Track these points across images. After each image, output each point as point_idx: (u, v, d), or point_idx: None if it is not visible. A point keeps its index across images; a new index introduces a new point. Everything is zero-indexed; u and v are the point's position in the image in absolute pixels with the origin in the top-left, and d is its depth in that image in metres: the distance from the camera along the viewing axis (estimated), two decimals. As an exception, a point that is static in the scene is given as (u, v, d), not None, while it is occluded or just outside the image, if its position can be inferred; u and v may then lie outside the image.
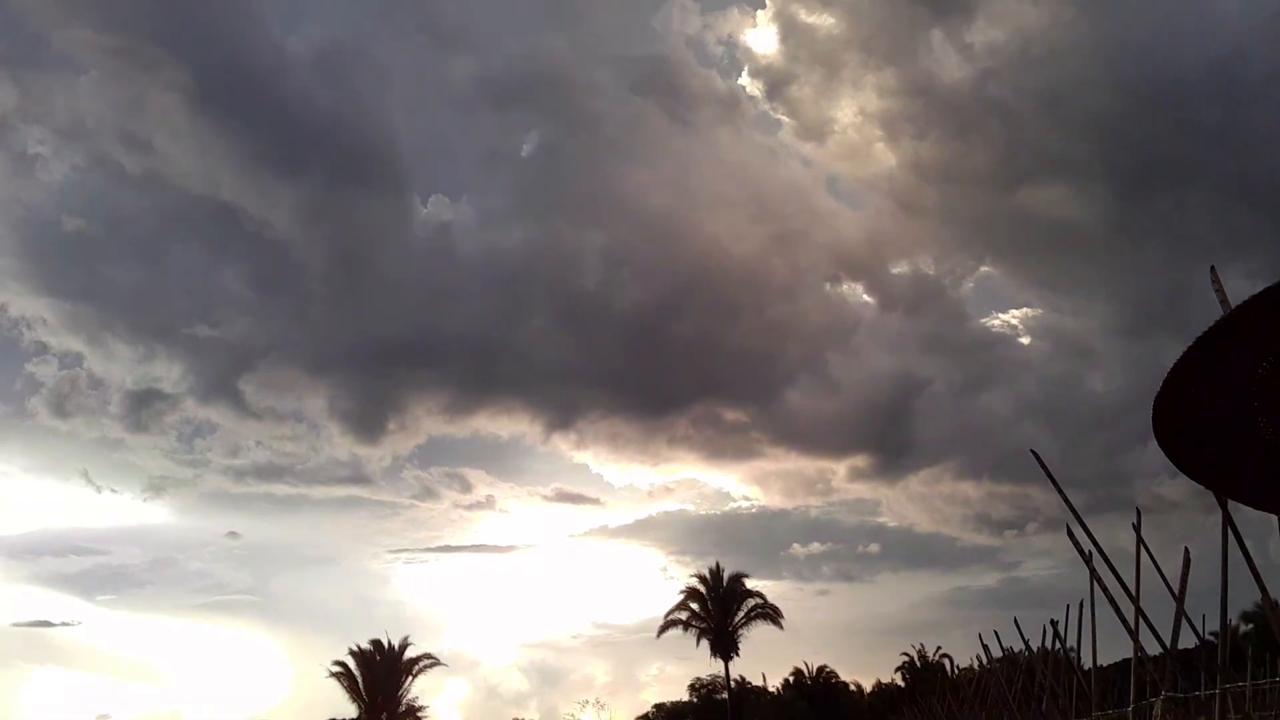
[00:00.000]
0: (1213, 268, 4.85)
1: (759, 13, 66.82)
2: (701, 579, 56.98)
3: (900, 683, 60.19)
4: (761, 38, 68.83)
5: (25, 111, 63.89)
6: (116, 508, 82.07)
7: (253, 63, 62.51)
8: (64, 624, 67.28)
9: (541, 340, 68.33)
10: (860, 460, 74.66)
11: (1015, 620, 23.69)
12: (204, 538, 75.93)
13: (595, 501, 77.11)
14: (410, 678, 55.27)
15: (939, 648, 59.54)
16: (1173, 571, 12.99)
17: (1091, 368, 75.03)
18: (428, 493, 74.80)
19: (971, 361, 73.06)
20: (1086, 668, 19.16)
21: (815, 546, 77.46)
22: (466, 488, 75.57)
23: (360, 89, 67.11)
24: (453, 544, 78.91)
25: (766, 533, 78.82)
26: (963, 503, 74.97)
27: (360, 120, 65.62)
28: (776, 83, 68.13)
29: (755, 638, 56.12)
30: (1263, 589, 10.70)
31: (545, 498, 77.29)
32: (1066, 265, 70.66)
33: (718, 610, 55.58)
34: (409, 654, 55.27)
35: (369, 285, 68.16)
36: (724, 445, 73.57)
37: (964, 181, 68.44)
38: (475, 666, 69.83)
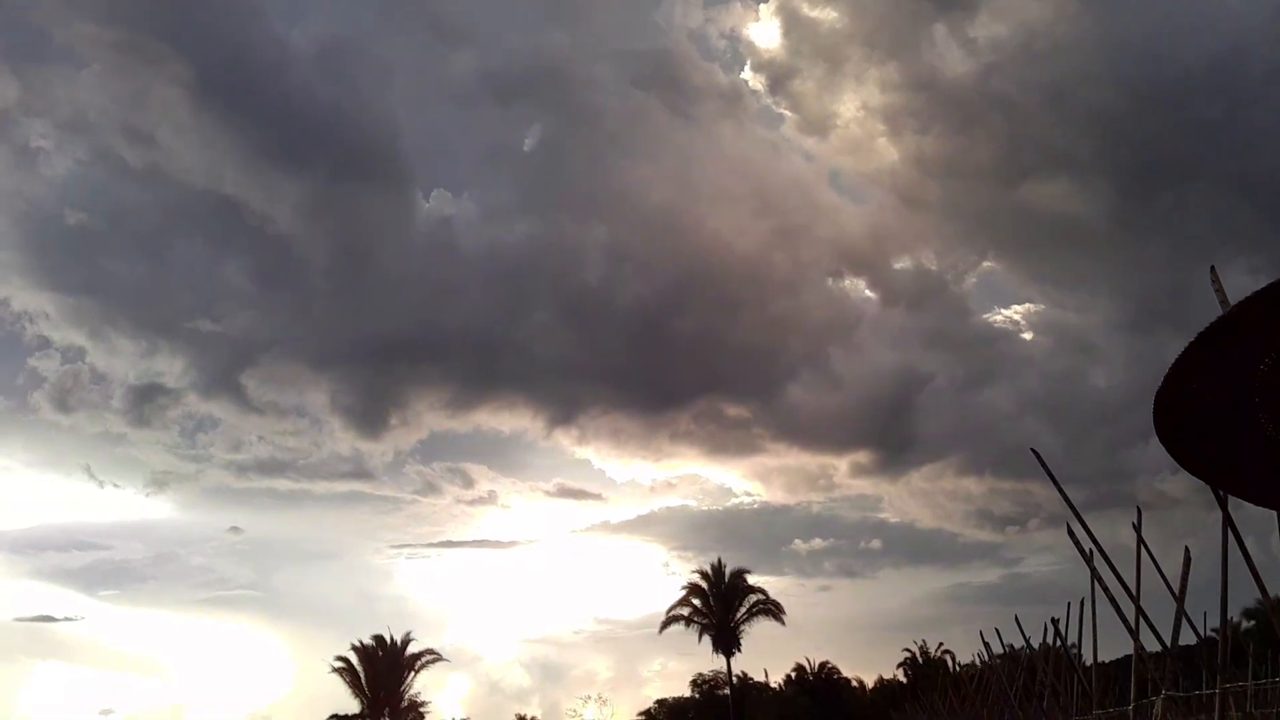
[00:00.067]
0: (1212, 268, 4.81)
1: (761, 7, 66.92)
2: (703, 575, 57.09)
3: (902, 679, 60.30)
4: (764, 32, 69.04)
5: (27, 105, 64.11)
6: (119, 503, 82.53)
7: (255, 57, 62.61)
8: (67, 619, 67.58)
9: (544, 335, 68.51)
10: (862, 456, 74.86)
11: (1016, 618, 23.73)
12: (206, 533, 76.17)
13: (597, 497, 77.34)
14: (412, 673, 55.47)
15: (941, 644, 59.71)
16: (1174, 569, 12.98)
17: (1094, 363, 75.20)
18: (430, 488, 74.98)
19: (974, 357, 73.17)
20: (1088, 664, 19.16)
21: (817, 542, 77.66)
22: (468, 483, 75.72)
23: (363, 84, 67.27)
24: (455, 539, 79.26)
25: (768, 528, 79.05)
26: (965, 498, 75.12)
27: (363, 115, 65.72)
28: (779, 77, 68.16)
29: (757, 633, 56.32)
30: (1262, 588, 10.68)
31: (547, 493, 77.50)
32: (1069, 261, 70.73)
33: (719, 606, 55.60)
34: (411, 649, 55.55)
35: (371, 280, 68.35)
36: (726, 441, 73.76)
37: (967, 176, 68.46)
38: (477, 662, 70.06)
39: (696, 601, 56.18)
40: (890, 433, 69.91)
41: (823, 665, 61.51)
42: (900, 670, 61.22)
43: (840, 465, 75.35)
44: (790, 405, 70.90)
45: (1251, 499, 5.27)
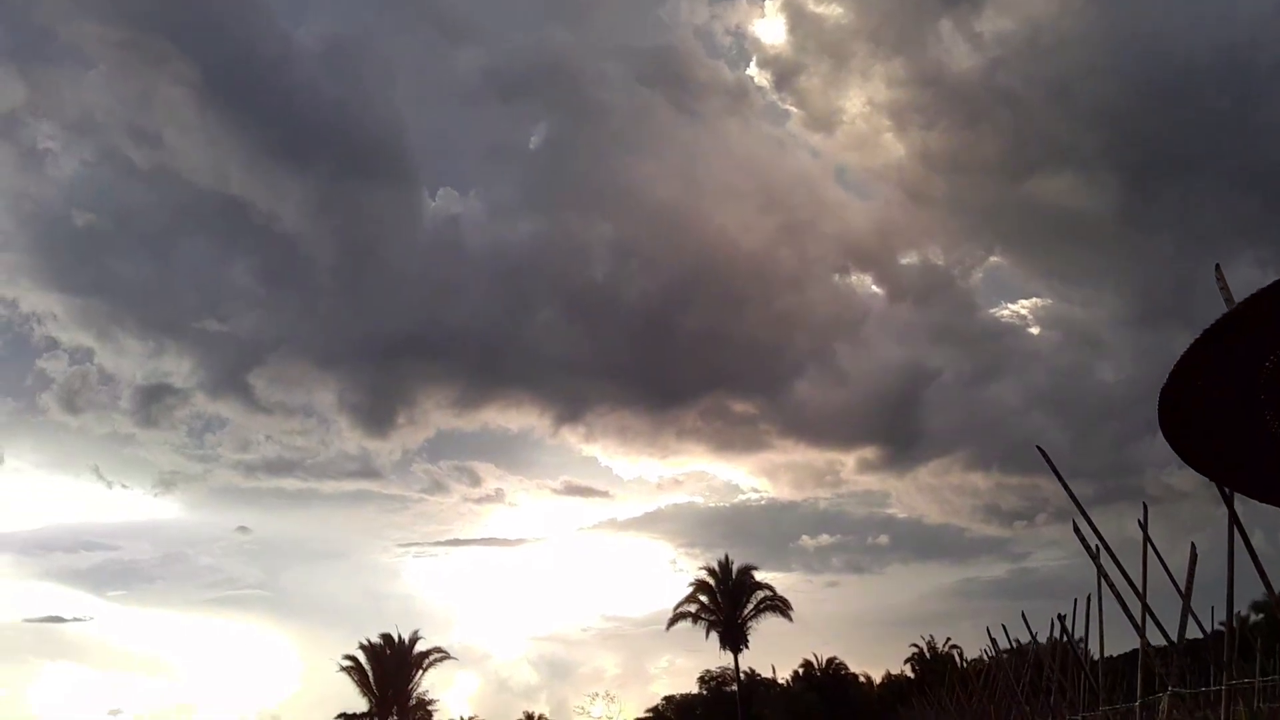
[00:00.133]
0: (1217, 265, 4.81)
1: (767, 3, 67.02)
2: (710, 571, 57.10)
3: (910, 674, 60.31)
4: (770, 28, 69.03)
5: (34, 106, 64.31)
6: (127, 503, 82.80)
7: (260, 56, 62.73)
8: (75, 619, 67.92)
9: (550, 333, 68.54)
10: (869, 452, 74.87)
11: (1023, 613, 23.72)
12: (214, 533, 76.53)
13: (604, 494, 77.51)
14: (420, 671, 55.62)
15: (948, 639, 59.70)
16: (1181, 564, 12.97)
17: (1101, 358, 75.10)
18: (437, 486, 75.16)
19: (980, 352, 73.13)
20: (1095, 659, 19.14)
21: (824, 538, 77.68)
22: (475, 481, 75.97)
23: (368, 82, 67.31)
24: (462, 537, 79.29)
25: (775, 525, 79.11)
26: (972, 494, 75.06)
27: (368, 113, 65.83)
28: (785, 73, 68.13)
29: (764, 630, 56.33)
30: (1267, 583, 10.66)
31: (554, 491, 77.64)
32: (1076, 255, 70.64)
33: (727, 602, 55.60)
34: (419, 648, 55.71)
35: (378, 278, 68.45)
36: (733, 437, 73.81)
37: (973, 171, 68.35)
38: (485, 660, 70.20)
39: (704, 598, 56.20)
40: (897, 428, 70.06)
41: (830, 661, 61.55)
42: (908, 666, 61.29)
43: (847, 461, 75.54)
44: (797, 401, 71.04)
45: (1256, 496, 5.25)
